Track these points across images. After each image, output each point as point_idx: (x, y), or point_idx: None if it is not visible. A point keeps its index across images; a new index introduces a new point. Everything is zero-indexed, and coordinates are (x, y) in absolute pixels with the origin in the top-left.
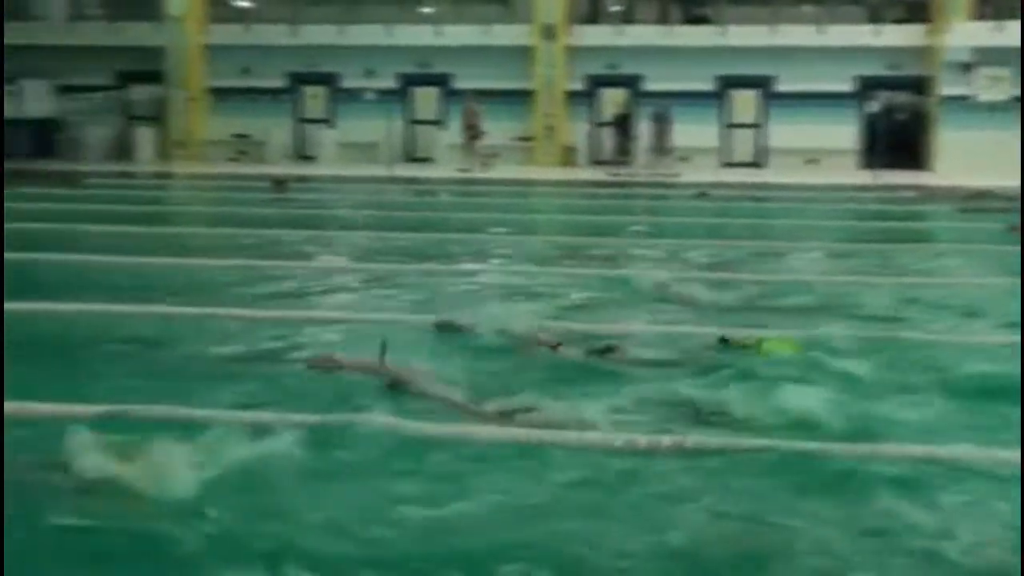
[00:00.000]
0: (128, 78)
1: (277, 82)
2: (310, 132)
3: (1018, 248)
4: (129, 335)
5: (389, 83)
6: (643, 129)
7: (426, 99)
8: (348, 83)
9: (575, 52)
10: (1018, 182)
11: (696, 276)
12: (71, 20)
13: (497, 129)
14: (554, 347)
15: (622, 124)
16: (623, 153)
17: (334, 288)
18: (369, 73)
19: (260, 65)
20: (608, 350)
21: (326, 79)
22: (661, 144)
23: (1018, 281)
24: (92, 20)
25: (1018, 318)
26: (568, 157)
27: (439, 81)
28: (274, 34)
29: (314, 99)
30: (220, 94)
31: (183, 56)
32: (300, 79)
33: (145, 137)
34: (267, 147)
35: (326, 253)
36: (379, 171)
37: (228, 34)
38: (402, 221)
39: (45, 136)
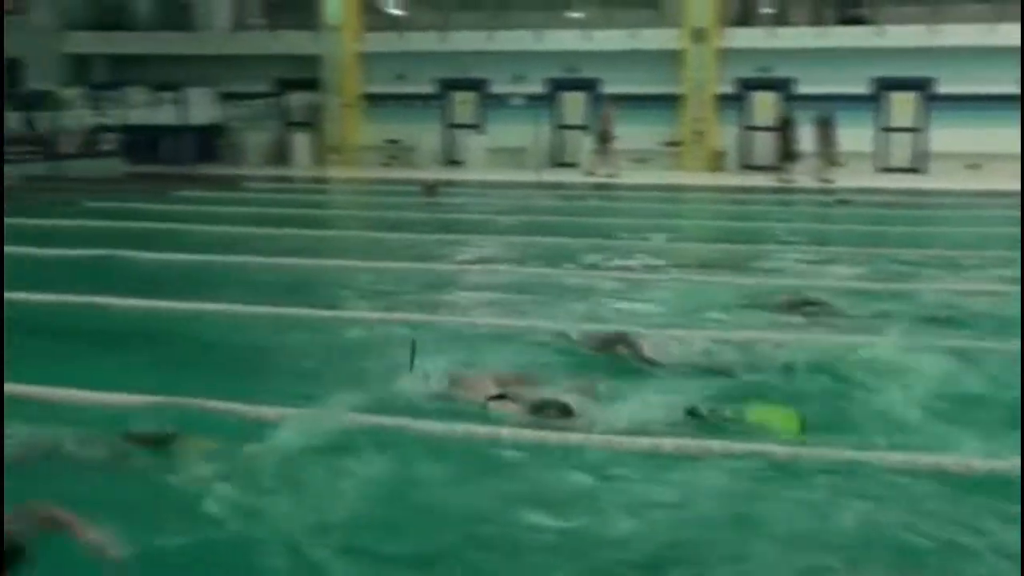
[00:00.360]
0: (287, 85)
1: (428, 88)
2: (459, 137)
3: None
4: (281, 336)
5: (537, 88)
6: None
7: (574, 104)
8: (497, 88)
9: (726, 55)
10: None
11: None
12: (234, 30)
13: (644, 134)
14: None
15: (784, 128)
16: (786, 158)
17: (478, 292)
18: (517, 78)
19: (412, 71)
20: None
21: (475, 85)
22: (825, 149)
23: None
24: (254, 30)
25: None
26: (716, 162)
27: (587, 86)
28: (425, 41)
29: (463, 105)
30: (373, 100)
31: (339, 64)
32: (450, 85)
33: (302, 142)
34: (417, 152)
35: (472, 257)
36: (526, 176)
37: (382, 42)
38: (547, 226)
39: (209, 142)
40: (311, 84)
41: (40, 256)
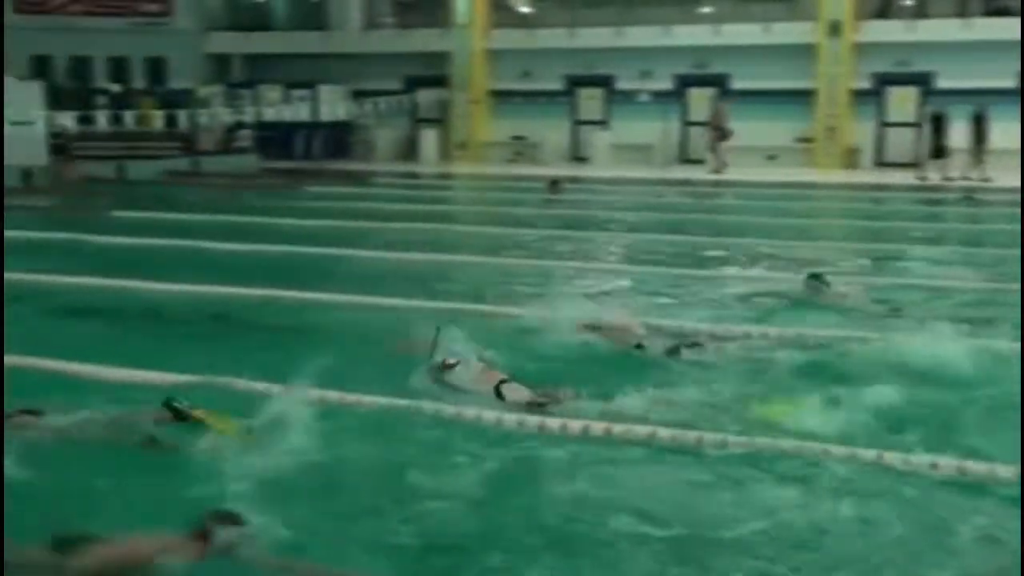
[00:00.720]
0: (416, 83)
1: (555, 84)
2: (585, 134)
3: None
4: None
5: (665, 84)
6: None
7: (701, 100)
8: (623, 85)
9: (862, 49)
10: None
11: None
12: (365, 29)
13: (775, 130)
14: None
15: (936, 124)
16: (937, 155)
17: (595, 289)
18: (645, 74)
19: (539, 68)
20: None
21: (602, 81)
22: (978, 146)
23: None
24: (384, 28)
25: None
26: (851, 159)
27: (716, 81)
28: (553, 38)
29: (590, 101)
30: (500, 97)
31: (467, 61)
32: (577, 81)
33: (429, 139)
34: (543, 148)
35: (591, 254)
36: (651, 173)
37: (510, 39)
38: (669, 224)
39: (340, 138)
40: (439, 81)
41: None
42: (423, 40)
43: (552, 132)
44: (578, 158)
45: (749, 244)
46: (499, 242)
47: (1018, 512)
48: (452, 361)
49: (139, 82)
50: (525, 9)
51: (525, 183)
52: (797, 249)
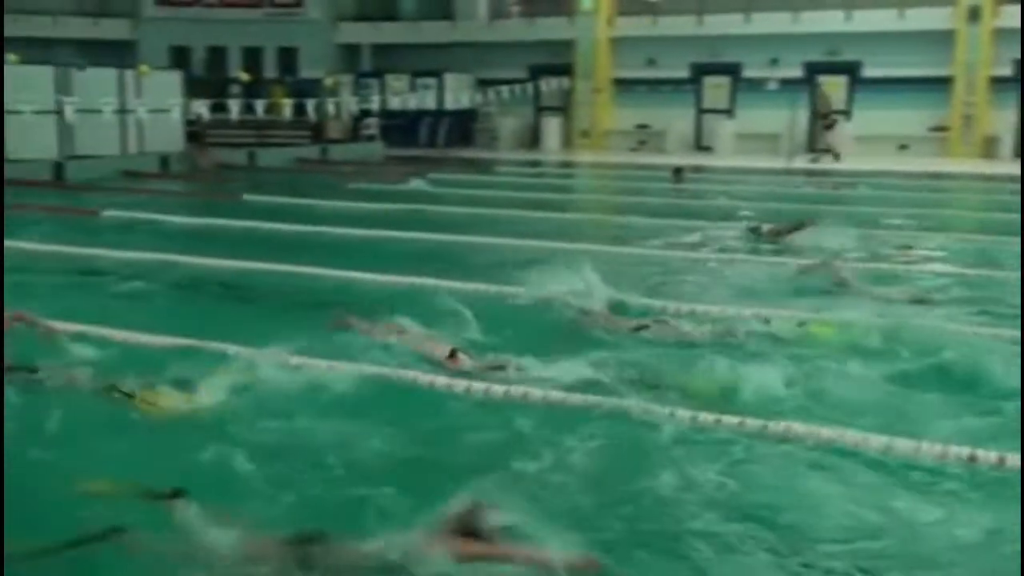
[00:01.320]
0: (539, 71)
1: (680, 72)
2: (709, 122)
3: None
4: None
5: (794, 72)
6: None
7: (833, 88)
8: (750, 73)
9: (1002, 35)
10: None
11: None
12: (492, 18)
13: (908, 119)
14: None
15: None
16: None
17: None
18: (773, 62)
19: (664, 56)
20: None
21: (729, 69)
22: None
23: None
24: (510, 17)
25: None
26: (989, 149)
27: (847, 69)
28: (680, 25)
29: (715, 89)
30: (624, 85)
31: (591, 49)
32: (703, 69)
33: (552, 127)
34: (667, 137)
35: (707, 243)
36: (776, 163)
37: (635, 26)
38: (792, 215)
39: (464, 126)
40: (563, 70)
41: (315, 233)
42: (548, 28)
43: (676, 121)
44: (702, 147)
45: (884, 236)
46: (622, 231)
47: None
48: (401, 331)
49: (271, 71)
50: None
51: (647, 172)
52: (930, 240)
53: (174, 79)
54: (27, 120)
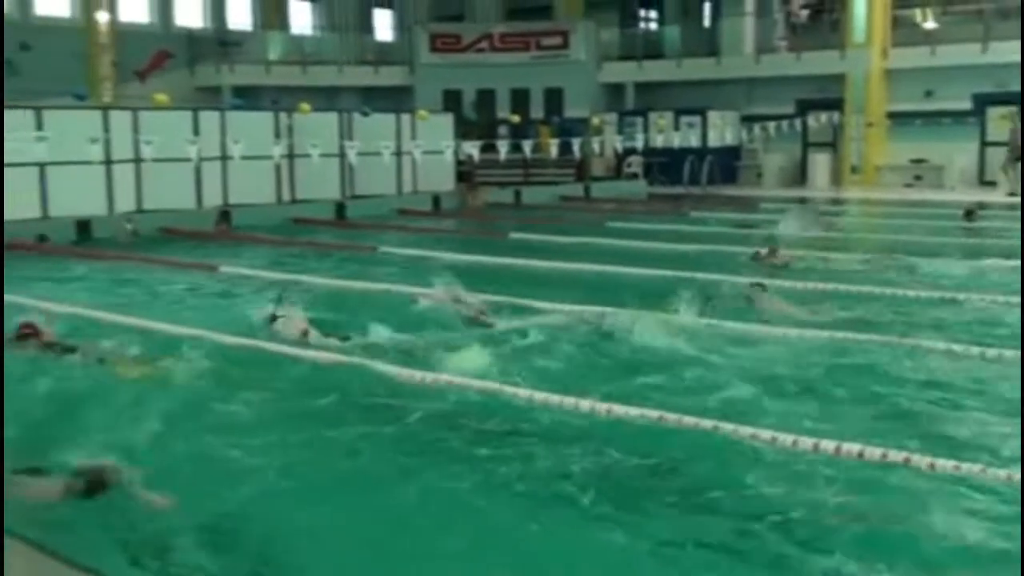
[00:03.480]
0: (807, 106)
1: (962, 104)
2: (993, 156)
3: None
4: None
5: None
6: None
7: None
8: None
9: None
10: None
11: None
12: (758, 53)
13: None
14: None
15: None
16: None
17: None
18: None
19: (944, 87)
20: None
21: (1015, 99)
22: None
23: None
24: (777, 52)
25: None
26: None
27: None
28: (961, 54)
29: (1001, 121)
30: (898, 118)
31: (864, 82)
32: (987, 100)
33: (820, 163)
34: (945, 172)
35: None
36: None
37: (911, 57)
38: None
39: (727, 164)
40: (833, 104)
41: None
42: (817, 62)
43: (956, 154)
44: (985, 182)
45: None
46: (910, 274)
47: None
48: (280, 315)
49: (537, 112)
50: (929, 25)
51: (928, 209)
52: None
53: (446, 121)
54: (315, 163)
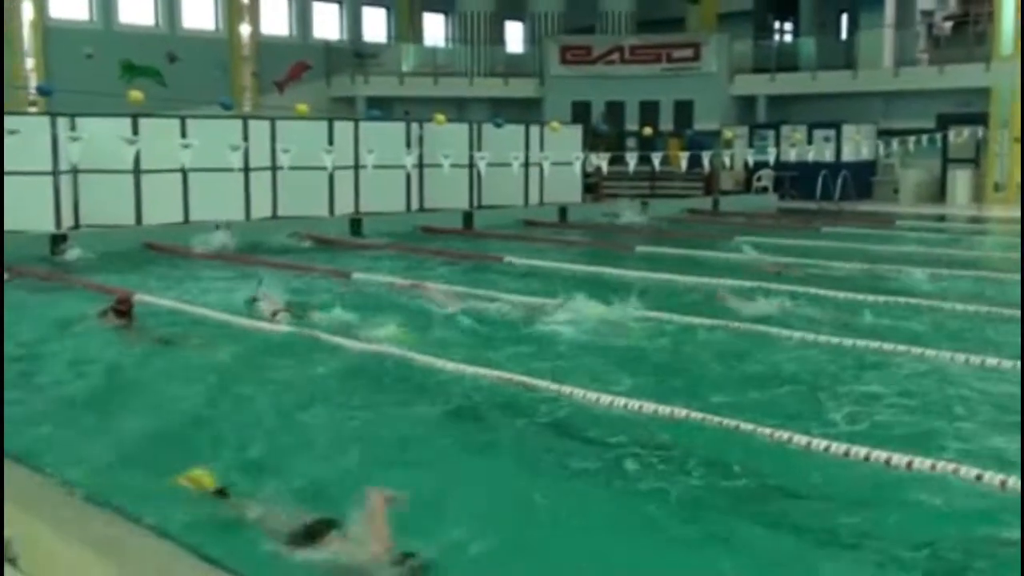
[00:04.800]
0: (948, 120)
1: None
2: None
3: None
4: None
5: None
6: None
7: None
8: None
9: None
10: None
11: None
12: (897, 66)
13: None
14: None
15: None
16: None
17: None
18: None
19: None
20: None
21: None
22: None
23: None
24: (917, 65)
25: None
26: None
27: None
28: None
29: None
30: None
31: (1010, 96)
32: None
33: (961, 179)
34: None
35: None
36: None
37: None
38: None
39: (862, 179)
40: (976, 119)
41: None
42: (960, 76)
43: None
44: None
45: None
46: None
47: None
48: (259, 297)
49: (666, 124)
50: None
51: None
52: None
53: (576, 133)
54: (445, 173)
